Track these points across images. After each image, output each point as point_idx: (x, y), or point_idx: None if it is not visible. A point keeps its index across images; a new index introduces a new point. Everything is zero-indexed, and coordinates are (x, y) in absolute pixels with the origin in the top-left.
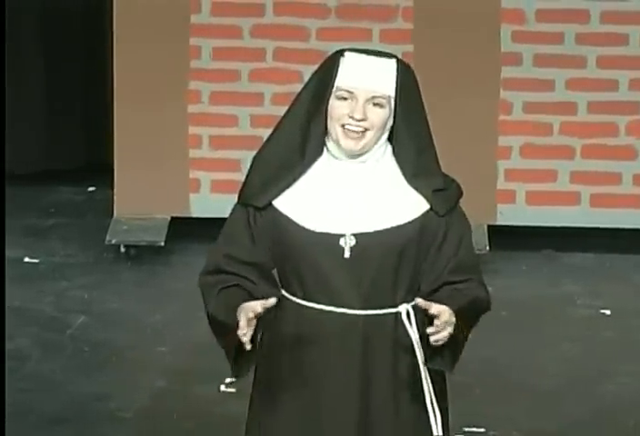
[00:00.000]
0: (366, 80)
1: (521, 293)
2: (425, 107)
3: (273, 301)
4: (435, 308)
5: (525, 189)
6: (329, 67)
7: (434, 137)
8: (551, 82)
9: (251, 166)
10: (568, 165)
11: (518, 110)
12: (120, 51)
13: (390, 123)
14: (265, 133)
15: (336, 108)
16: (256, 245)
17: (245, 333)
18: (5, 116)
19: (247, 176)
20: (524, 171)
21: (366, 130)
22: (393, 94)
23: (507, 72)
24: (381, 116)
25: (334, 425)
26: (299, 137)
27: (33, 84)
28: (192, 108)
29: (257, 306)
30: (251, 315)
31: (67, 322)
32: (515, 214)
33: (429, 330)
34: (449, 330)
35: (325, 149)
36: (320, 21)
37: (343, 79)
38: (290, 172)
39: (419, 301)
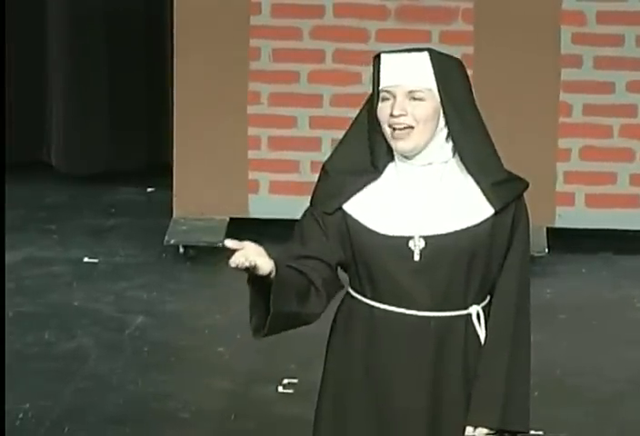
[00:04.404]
0: (400, 77)
1: (580, 296)
2: (475, 99)
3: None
4: None
5: (584, 191)
6: (373, 73)
7: (493, 139)
8: (611, 84)
9: (321, 172)
10: (628, 168)
11: (578, 112)
12: (181, 52)
13: (440, 117)
14: (324, 134)
15: (381, 110)
16: (326, 246)
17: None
18: (4, 115)
19: (318, 182)
20: (583, 173)
21: (411, 127)
22: (433, 86)
23: (567, 74)
24: (422, 109)
25: (405, 427)
26: (366, 144)
27: (97, 85)
28: (251, 109)
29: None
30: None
31: (126, 322)
32: (574, 217)
33: None
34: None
35: (394, 154)
36: (380, 22)
37: (382, 81)
38: (361, 177)
39: None
